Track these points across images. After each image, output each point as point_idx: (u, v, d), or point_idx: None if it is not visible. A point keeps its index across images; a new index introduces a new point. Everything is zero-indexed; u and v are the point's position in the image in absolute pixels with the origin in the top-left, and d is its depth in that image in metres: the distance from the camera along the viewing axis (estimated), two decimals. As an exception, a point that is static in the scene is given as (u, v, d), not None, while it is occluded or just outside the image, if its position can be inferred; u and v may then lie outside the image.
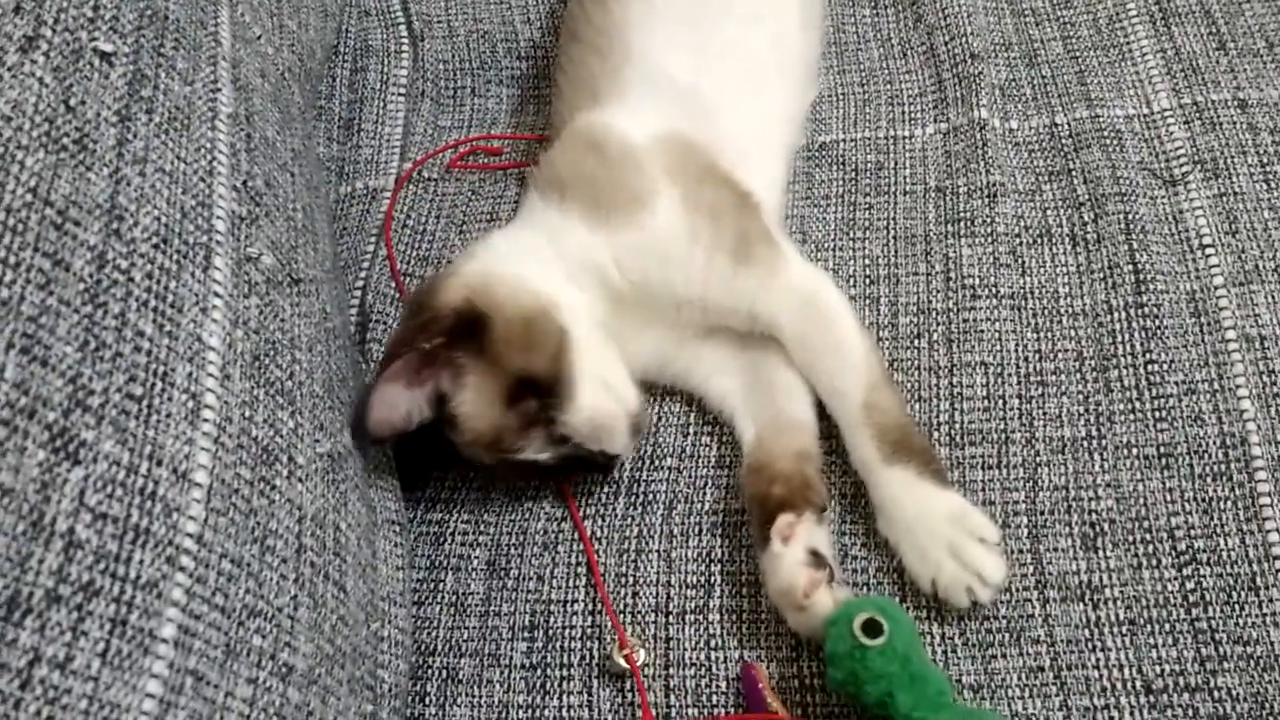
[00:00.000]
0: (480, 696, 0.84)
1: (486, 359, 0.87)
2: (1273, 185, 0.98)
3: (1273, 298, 0.92)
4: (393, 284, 1.06)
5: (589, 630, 0.85)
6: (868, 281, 0.98)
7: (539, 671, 0.84)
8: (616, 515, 0.90)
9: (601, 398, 0.88)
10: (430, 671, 0.85)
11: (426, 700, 0.84)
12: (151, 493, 0.60)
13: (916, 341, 0.95)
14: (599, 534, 0.89)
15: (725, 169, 0.96)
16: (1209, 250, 0.95)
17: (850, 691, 0.76)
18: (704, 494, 0.90)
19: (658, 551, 0.87)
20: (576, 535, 0.89)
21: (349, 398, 0.84)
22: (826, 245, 1.01)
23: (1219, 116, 1.03)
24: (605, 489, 0.91)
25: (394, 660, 0.81)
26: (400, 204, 1.12)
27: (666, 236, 0.92)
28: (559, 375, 0.87)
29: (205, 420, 0.64)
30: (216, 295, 0.69)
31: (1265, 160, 1.00)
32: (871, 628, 0.75)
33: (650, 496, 0.90)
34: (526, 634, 0.85)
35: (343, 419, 0.81)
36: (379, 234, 1.10)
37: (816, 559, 0.81)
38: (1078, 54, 1.11)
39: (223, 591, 0.63)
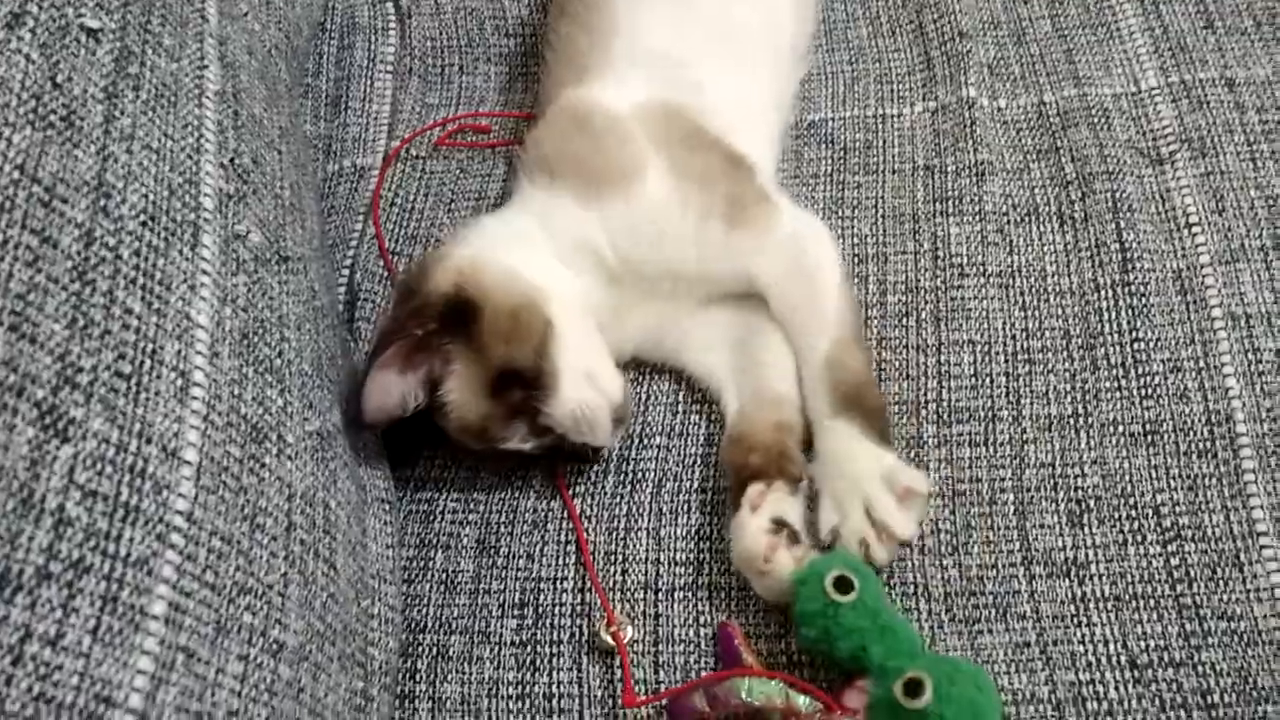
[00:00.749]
0: (470, 673, 0.84)
1: (473, 347, 0.87)
2: (1259, 164, 0.99)
3: (1258, 276, 0.93)
4: (381, 263, 1.05)
5: (579, 607, 0.85)
6: (856, 260, 0.99)
7: (529, 648, 0.84)
8: (606, 493, 0.90)
9: (585, 390, 0.88)
10: (421, 648, 0.86)
11: (417, 677, 0.84)
12: (141, 470, 0.60)
13: (905, 320, 0.95)
14: (588, 512, 0.89)
15: (714, 133, 0.96)
16: (1195, 229, 0.96)
17: (823, 649, 0.77)
18: (693, 472, 0.90)
19: (647, 529, 0.88)
20: (566, 513, 0.89)
21: (338, 376, 0.84)
22: (815, 224, 1.01)
23: (1206, 95, 1.04)
24: (595, 467, 0.91)
25: (384, 637, 0.81)
26: (388, 182, 1.12)
27: (658, 206, 0.92)
28: (543, 368, 0.87)
29: (194, 398, 0.64)
30: (205, 273, 0.68)
31: (1252, 139, 1.00)
32: (842, 584, 0.76)
33: (640, 474, 0.90)
34: (516, 611, 0.86)
35: (332, 397, 0.81)
36: (367, 212, 1.09)
37: (779, 526, 0.81)
38: (1066, 32, 1.11)
39: (213, 569, 0.63)
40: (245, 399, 0.68)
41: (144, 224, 0.65)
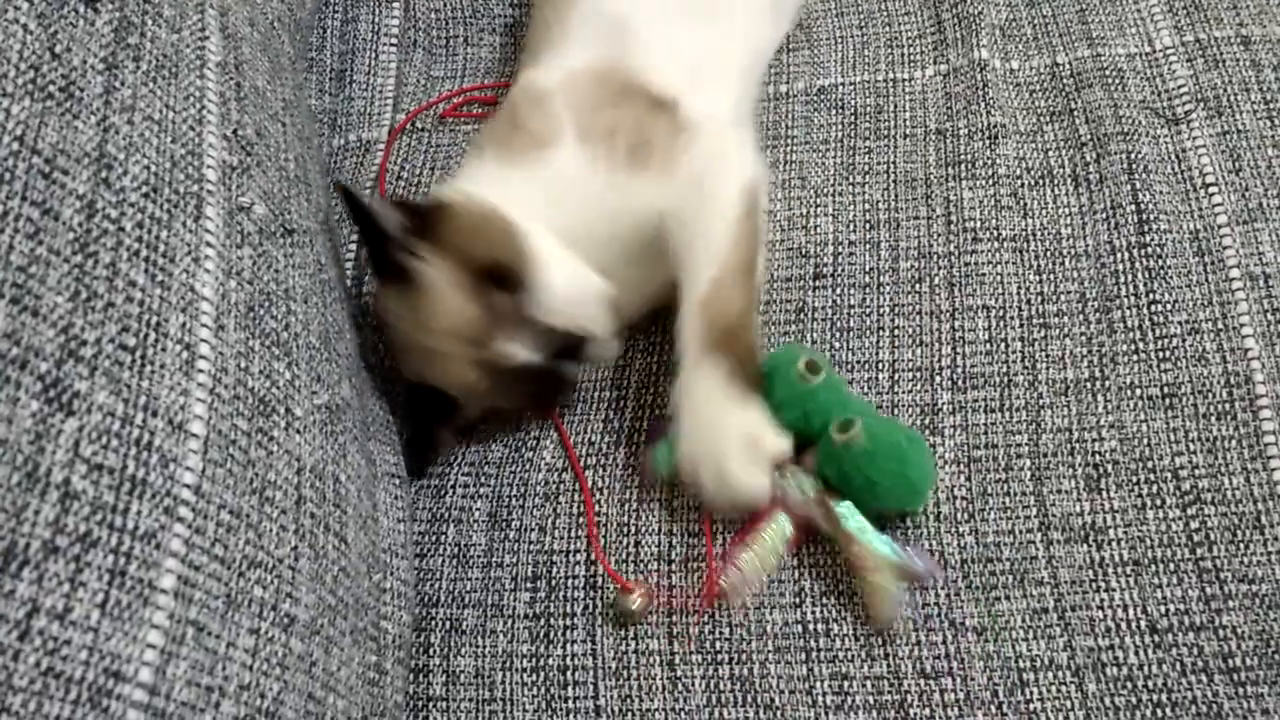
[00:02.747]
0: (484, 647, 0.83)
1: (449, 251, 0.87)
2: (1276, 122, 0.97)
3: (1276, 235, 0.91)
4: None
5: (591, 580, 0.84)
6: (868, 226, 0.97)
7: (542, 621, 0.84)
8: (617, 466, 0.89)
9: (570, 274, 0.87)
10: (434, 623, 0.85)
11: (431, 651, 0.84)
12: (148, 444, 0.59)
13: (918, 286, 0.94)
14: (600, 484, 0.89)
15: (642, 86, 0.95)
16: (1212, 189, 0.94)
17: (799, 428, 0.83)
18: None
19: (659, 500, 0.87)
20: (577, 486, 0.89)
21: (346, 350, 0.84)
22: (826, 190, 1.00)
23: (1222, 53, 1.02)
24: (606, 439, 0.91)
25: (397, 611, 0.81)
26: (394, 155, 1.11)
27: (568, 171, 0.91)
28: (522, 262, 0.86)
29: (200, 371, 0.64)
30: (209, 245, 0.68)
31: (1269, 97, 0.99)
32: (810, 368, 0.84)
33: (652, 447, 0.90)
34: (529, 584, 0.85)
35: (340, 371, 0.80)
36: (373, 186, 1.08)
37: None
38: (1079, -8, 1.10)
39: (222, 542, 0.62)
40: (252, 372, 0.68)
41: (146, 196, 0.65)
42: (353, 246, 1.04)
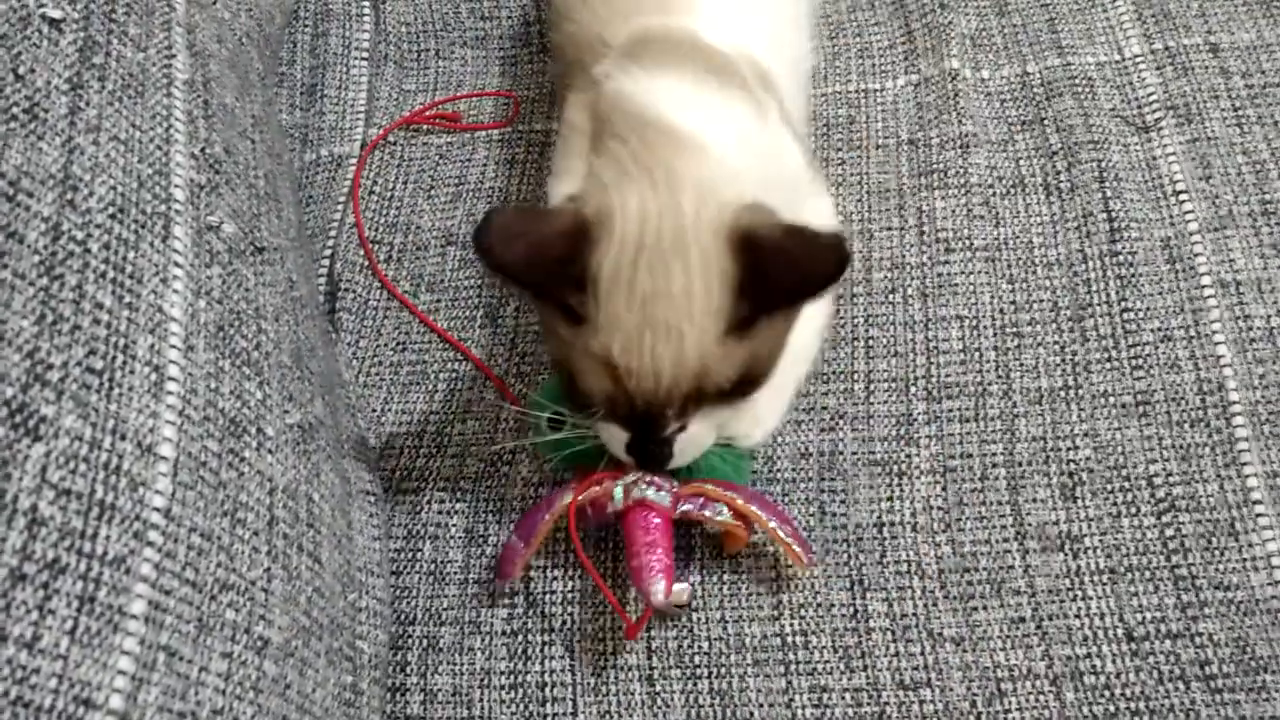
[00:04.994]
0: (462, 664, 0.83)
1: None
2: (1245, 129, 0.98)
3: (1247, 242, 0.92)
4: (361, 252, 1.04)
5: (570, 595, 0.84)
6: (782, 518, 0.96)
7: (520, 637, 0.83)
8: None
9: None
10: (410, 641, 0.85)
11: (407, 669, 0.84)
12: (116, 467, 0.58)
13: (891, 296, 0.94)
14: (578, 498, 0.88)
15: None
16: (1183, 196, 0.95)
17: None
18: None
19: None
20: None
21: (319, 367, 0.83)
22: (799, 201, 1.00)
23: (1191, 61, 1.03)
24: (582, 453, 0.90)
25: (373, 630, 0.81)
26: (367, 170, 1.10)
27: None
28: None
29: (169, 393, 0.63)
30: (177, 265, 0.67)
31: (1238, 104, 0.99)
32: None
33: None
34: (507, 601, 0.85)
35: (312, 389, 0.80)
36: (346, 201, 1.08)
37: None
38: (1048, 1, 1.10)
39: (193, 566, 0.62)
40: (222, 392, 0.67)
41: (113, 216, 0.64)
42: (325, 262, 1.04)
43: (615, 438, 0.79)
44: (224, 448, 0.66)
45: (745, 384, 0.78)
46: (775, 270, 0.75)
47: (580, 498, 0.82)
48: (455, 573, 0.87)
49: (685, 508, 0.81)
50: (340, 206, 1.08)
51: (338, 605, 0.75)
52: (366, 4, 1.22)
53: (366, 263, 1.03)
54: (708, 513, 0.81)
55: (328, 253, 1.05)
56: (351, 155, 1.12)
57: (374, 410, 0.95)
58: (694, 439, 0.79)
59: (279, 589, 0.68)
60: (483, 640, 0.84)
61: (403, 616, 0.86)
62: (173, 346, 0.64)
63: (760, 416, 0.88)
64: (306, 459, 0.75)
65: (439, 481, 0.91)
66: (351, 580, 0.79)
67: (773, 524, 0.81)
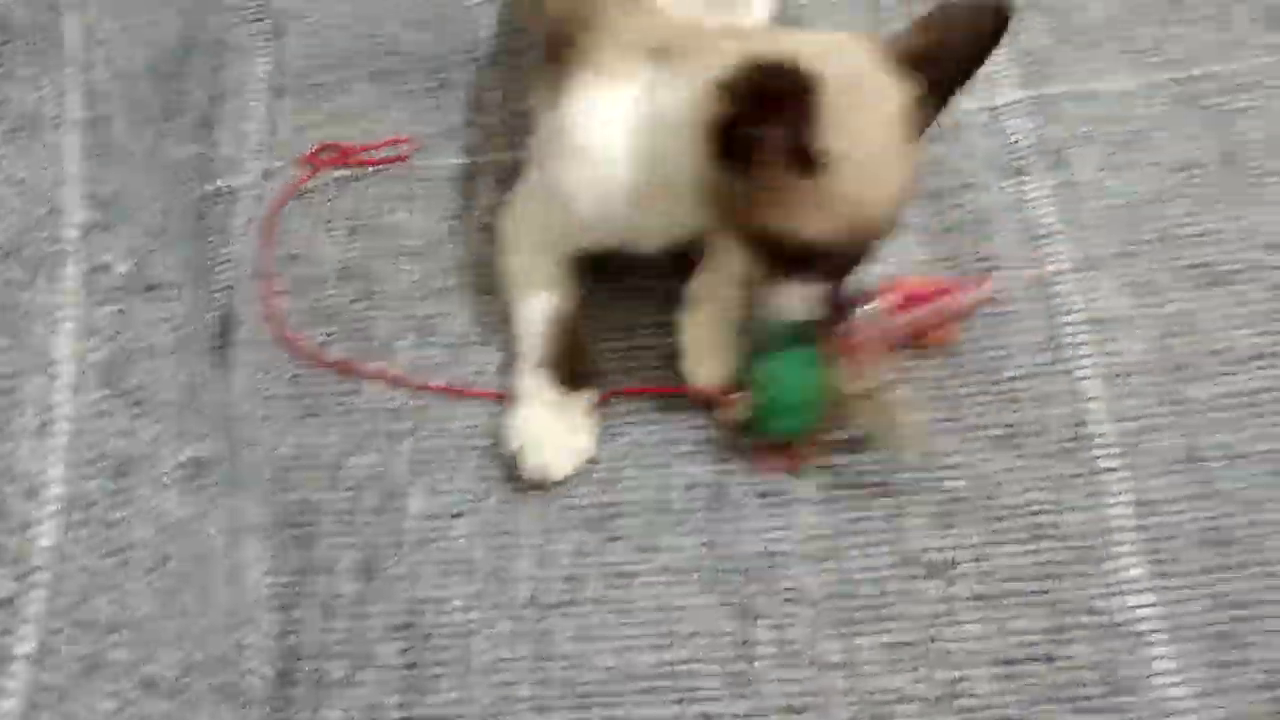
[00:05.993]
0: (352, 698, 0.83)
1: None
2: (1113, 174, 1.03)
3: (1114, 282, 0.96)
4: (255, 284, 1.04)
5: (463, 627, 0.85)
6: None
7: (413, 671, 0.84)
8: (490, 511, 0.90)
9: None
10: (300, 675, 0.84)
11: (297, 704, 0.83)
12: (4, 510, 0.58)
13: (778, 333, 0.97)
14: (472, 530, 0.89)
15: None
16: (1052, 238, 0.99)
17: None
18: (577, 488, 0.91)
19: (531, 546, 0.88)
20: (449, 533, 0.89)
21: (211, 402, 0.83)
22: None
23: (1062, 108, 1.08)
24: (479, 484, 0.92)
25: (262, 666, 0.81)
26: (263, 202, 1.10)
27: None
28: None
29: (58, 434, 0.63)
30: (68, 305, 0.67)
31: (1106, 150, 1.04)
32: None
33: (524, 492, 0.91)
34: (400, 633, 0.85)
35: (204, 425, 0.80)
36: (242, 234, 1.08)
37: None
38: (927, 48, 1.14)
39: (82, 605, 0.62)
40: (112, 432, 0.67)
41: (5, 258, 0.64)
42: (218, 296, 1.03)
43: (802, 298, 0.85)
44: (114, 487, 0.66)
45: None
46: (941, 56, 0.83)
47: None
48: (346, 606, 0.87)
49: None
50: (235, 240, 1.07)
51: (227, 641, 0.76)
52: (265, 37, 1.22)
53: (260, 296, 1.03)
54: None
55: (222, 286, 1.04)
56: (247, 187, 1.12)
57: (267, 444, 0.95)
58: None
59: (168, 626, 0.68)
60: (374, 674, 0.84)
61: (293, 651, 0.85)
62: (62, 387, 0.64)
63: None
64: (198, 496, 0.75)
65: (332, 514, 0.92)
66: (241, 616, 0.79)
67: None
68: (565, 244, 0.97)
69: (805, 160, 0.78)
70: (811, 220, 0.80)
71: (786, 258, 0.83)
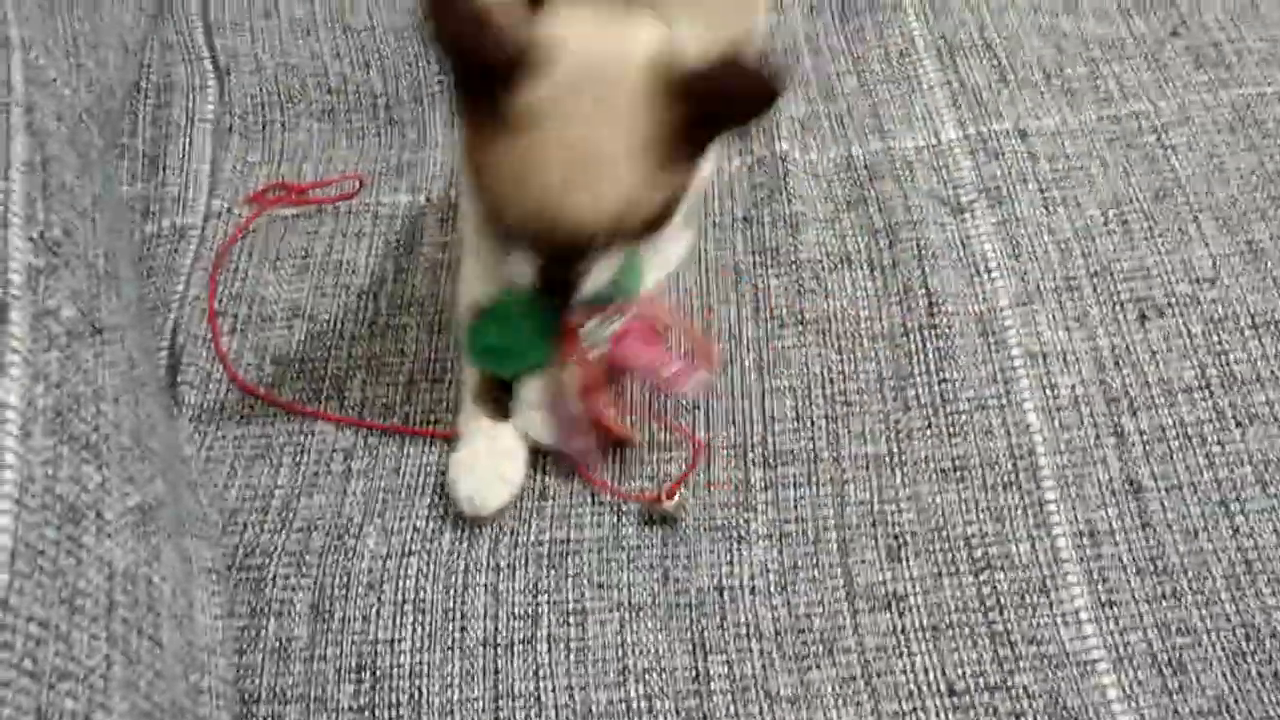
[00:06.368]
0: (307, 742, 0.83)
1: None
2: (1051, 210, 1.06)
3: (1053, 316, 0.99)
4: (204, 324, 1.04)
5: (418, 667, 0.85)
6: (682, 312, 1.01)
7: (368, 713, 0.83)
8: (443, 550, 0.90)
9: None
10: (254, 720, 0.84)
11: (251, 749, 0.83)
12: (-51, 560, 0.58)
13: (729, 368, 0.98)
14: (424, 569, 0.89)
15: None
16: (994, 273, 1.02)
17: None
18: (530, 525, 0.91)
19: (484, 585, 0.88)
20: (402, 573, 0.89)
21: (159, 446, 0.82)
22: (641, 275, 1.04)
23: (1001, 146, 1.10)
24: (431, 523, 0.92)
25: (216, 711, 0.80)
26: (210, 242, 1.10)
27: None
28: None
29: (5, 481, 0.62)
30: (14, 351, 0.66)
31: (1044, 186, 1.07)
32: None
33: (476, 530, 0.91)
34: (354, 675, 0.85)
35: (153, 469, 0.79)
36: (189, 274, 1.07)
37: None
38: (871, 88, 1.17)
39: (30, 655, 0.61)
40: (60, 478, 0.67)
41: (-52, 304, 0.63)
42: (166, 337, 1.03)
43: (523, 267, 0.82)
44: (62, 534, 0.65)
45: (652, 226, 0.82)
46: (709, 103, 0.79)
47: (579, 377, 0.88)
48: (300, 649, 0.86)
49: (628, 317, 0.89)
50: (183, 279, 1.07)
51: (179, 687, 0.75)
52: (211, 75, 1.22)
53: (209, 335, 1.03)
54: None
55: (170, 326, 1.04)
56: (194, 226, 1.11)
57: (217, 485, 0.95)
58: (596, 276, 0.83)
59: (119, 674, 0.67)
60: (329, 717, 0.83)
61: (246, 695, 0.85)
62: (9, 434, 0.64)
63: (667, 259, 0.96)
64: (147, 541, 0.74)
65: (283, 556, 0.91)
66: (193, 661, 0.78)
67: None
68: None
69: (503, 118, 0.78)
70: (491, 180, 0.81)
71: (492, 221, 0.83)
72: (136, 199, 1.13)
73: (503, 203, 0.80)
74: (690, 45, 0.91)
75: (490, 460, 0.92)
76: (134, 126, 1.18)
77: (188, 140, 1.17)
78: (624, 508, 0.91)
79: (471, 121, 0.81)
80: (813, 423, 0.95)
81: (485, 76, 0.78)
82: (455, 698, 0.83)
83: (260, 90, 1.22)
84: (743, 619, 0.86)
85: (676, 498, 0.90)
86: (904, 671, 0.83)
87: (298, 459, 0.96)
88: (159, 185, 1.14)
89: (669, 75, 0.78)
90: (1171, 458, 0.91)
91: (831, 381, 0.97)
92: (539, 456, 0.93)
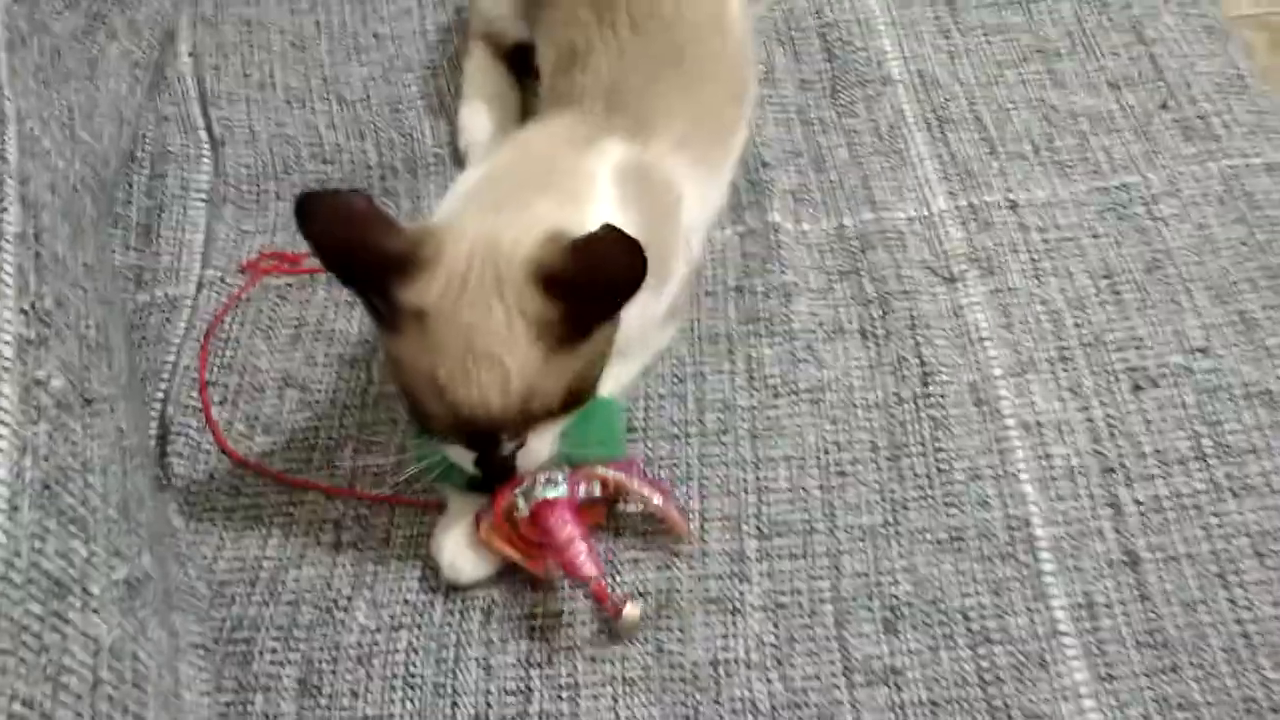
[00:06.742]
0: (293, 822, 0.81)
1: None
2: (1042, 280, 1.06)
3: (1047, 386, 0.99)
4: (194, 394, 1.03)
5: (406, 741, 0.83)
6: (675, 380, 1.01)
7: (354, 790, 0.82)
8: (434, 623, 0.89)
9: None
10: (240, 799, 0.82)
11: (236, 830, 0.81)
12: (-67, 637, 0.57)
13: (723, 437, 0.98)
14: (415, 643, 0.88)
15: None
16: (987, 343, 1.02)
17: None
18: (522, 598, 0.90)
19: (476, 659, 0.87)
20: (391, 646, 0.88)
21: (147, 518, 0.82)
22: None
23: (992, 217, 1.11)
24: (422, 596, 0.90)
25: (201, 791, 0.78)
26: (201, 311, 1.10)
27: None
28: None
29: (-9, 556, 0.62)
30: (3, 424, 0.66)
31: (1035, 257, 1.08)
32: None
33: (468, 602, 0.90)
34: (340, 751, 0.84)
35: (140, 542, 0.78)
36: (180, 343, 1.07)
37: None
38: (862, 160, 1.18)
39: (13, 735, 0.60)
40: (47, 553, 0.66)
41: (-63, 375, 0.63)
42: (157, 407, 1.02)
43: (461, 456, 0.87)
44: (47, 610, 0.64)
45: (573, 399, 0.87)
46: (576, 287, 0.82)
47: (498, 515, 0.88)
48: (288, 726, 0.85)
49: (584, 490, 0.88)
50: (175, 349, 1.07)
51: (164, 767, 0.73)
52: (206, 146, 1.23)
53: (199, 405, 1.02)
54: (589, 490, 0.89)
55: (160, 395, 1.03)
56: (186, 296, 1.11)
57: (205, 557, 0.94)
58: (534, 451, 0.87)
59: (103, 754, 0.66)
60: (316, 796, 0.82)
61: (232, 773, 0.83)
62: (-4, 508, 0.63)
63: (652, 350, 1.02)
64: (133, 616, 0.73)
65: (272, 630, 0.90)
66: (179, 739, 0.77)
67: (656, 500, 0.90)
68: None
69: (401, 314, 0.83)
70: (401, 375, 0.86)
71: (413, 416, 0.88)
72: (129, 268, 1.13)
73: (415, 396, 0.85)
74: (662, 160, 1.00)
75: (472, 529, 0.91)
76: (128, 196, 1.18)
77: (182, 210, 1.18)
78: (618, 581, 0.90)
79: (376, 319, 0.86)
80: (807, 493, 0.94)
81: (375, 275, 0.83)
82: (445, 775, 0.82)
83: (255, 160, 1.23)
84: (738, 694, 0.84)
85: (627, 609, 0.87)
86: (902, 748, 0.82)
87: (287, 530, 0.95)
88: (152, 255, 1.14)
89: (550, 262, 0.83)
90: (1168, 529, 0.91)
91: (826, 452, 0.96)
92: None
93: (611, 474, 0.89)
